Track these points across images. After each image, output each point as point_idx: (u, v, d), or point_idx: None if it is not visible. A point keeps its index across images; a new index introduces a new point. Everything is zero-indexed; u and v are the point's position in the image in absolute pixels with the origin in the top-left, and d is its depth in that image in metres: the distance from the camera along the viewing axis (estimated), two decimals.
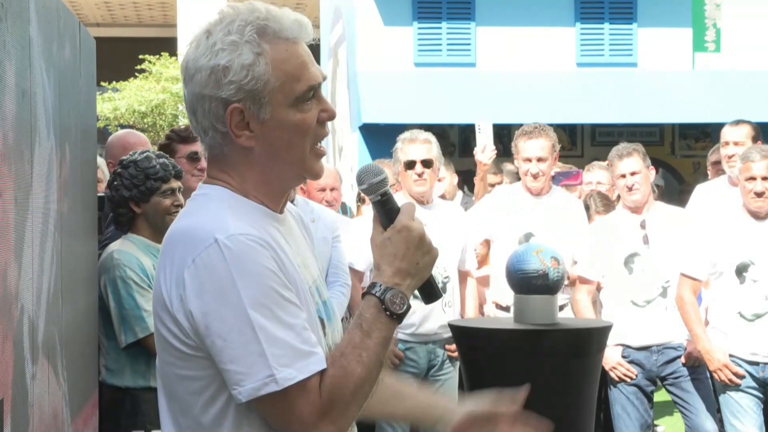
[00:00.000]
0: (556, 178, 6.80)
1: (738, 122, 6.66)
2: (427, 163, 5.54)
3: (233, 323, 1.86)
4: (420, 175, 5.52)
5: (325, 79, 2.06)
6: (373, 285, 1.98)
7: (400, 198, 5.84)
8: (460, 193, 8.02)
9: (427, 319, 5.48)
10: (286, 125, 1.99)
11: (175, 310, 1.91)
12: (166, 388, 2.00)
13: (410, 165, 5.53)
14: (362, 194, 7.08)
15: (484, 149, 6.36)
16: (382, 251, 2.01)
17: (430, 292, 2.11)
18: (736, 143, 6.41)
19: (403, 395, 2.33)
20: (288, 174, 2.04)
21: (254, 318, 1.86)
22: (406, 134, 5.67)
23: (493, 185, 7.23)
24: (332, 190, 6.07)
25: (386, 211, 2.05)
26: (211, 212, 1.96)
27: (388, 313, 1.95)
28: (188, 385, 1.95)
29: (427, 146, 5.58)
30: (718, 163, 7.02)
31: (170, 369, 1.97)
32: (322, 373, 1.89)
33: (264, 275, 1.89)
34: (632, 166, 5.71)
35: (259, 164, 2.01)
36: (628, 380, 5.65)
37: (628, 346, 5.68)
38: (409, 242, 2.01)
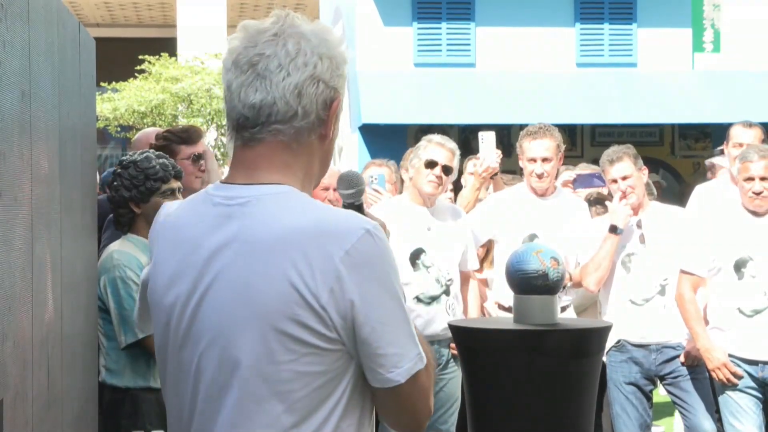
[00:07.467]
0: (579, 180, 6.69)
1: (750, 124, 6.64)
2: (447, 170, 5.58)
3: (392, 308, 1.97)
4: (438, 178, 5.54)
5: None
6: None
7: (404, 198, 5.84)
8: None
9: (432, 322, 5.46)
10: (338, 121, 2.09)
11: (324, 304, 1.92)
12: (268, 389, 1.95)
13: (431, 164, 5.55)
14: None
15: (483, 162, 6.30)
16: None
17: None
18: (749, 146, 6.38)
19: None
20: (326, 166, 2.11)
21: (401, 302, 1.99)
22: (437, 137, 5.66)
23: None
24: (335, 190, 6.09)
25: None
26: (323, 207, 2.02)
27: None
28: (309, 381, 1.95)
29: (451, 155, 5.60)
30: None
31: (287, 367, 1.94)
32: None
33: (396, 265, 2.01)
34: (623, 170, 5.71)
35: (322, 155, 2.08)
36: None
37: (628, 341, 5.69)
38: None
